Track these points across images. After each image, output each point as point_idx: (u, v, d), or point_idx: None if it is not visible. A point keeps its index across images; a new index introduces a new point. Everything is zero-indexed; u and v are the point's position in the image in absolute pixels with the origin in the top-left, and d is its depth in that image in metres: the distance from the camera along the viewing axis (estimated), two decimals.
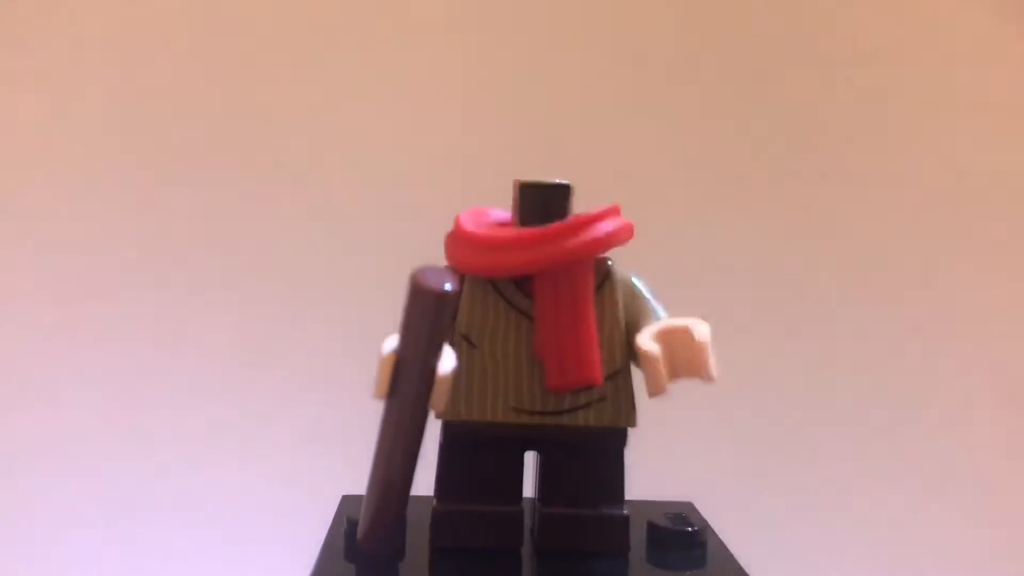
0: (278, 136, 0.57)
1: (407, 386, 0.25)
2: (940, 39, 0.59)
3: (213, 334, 0.58)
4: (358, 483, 0.28)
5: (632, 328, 0.29)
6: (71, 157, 0.57)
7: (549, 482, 0.30)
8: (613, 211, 0.29)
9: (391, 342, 0.26)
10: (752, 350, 0.58)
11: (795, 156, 0.59)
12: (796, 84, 0.59)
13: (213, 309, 0.58)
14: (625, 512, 0.29)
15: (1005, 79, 0.59)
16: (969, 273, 0.59)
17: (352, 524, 0.29)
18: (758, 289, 0.59)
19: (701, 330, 0.28)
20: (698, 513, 0.33)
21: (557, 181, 0.30)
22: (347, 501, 0.33)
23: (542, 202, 0.29)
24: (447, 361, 0.26)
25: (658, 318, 0.29)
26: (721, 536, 0.32)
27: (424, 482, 0.28)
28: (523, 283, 0.29)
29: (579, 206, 0.30)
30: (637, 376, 0.29)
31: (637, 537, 0.30)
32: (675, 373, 0.28)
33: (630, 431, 0.29)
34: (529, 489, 0.30)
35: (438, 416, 0.29)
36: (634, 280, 0.30)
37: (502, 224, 0.30)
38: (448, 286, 0.24)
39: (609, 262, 0.30)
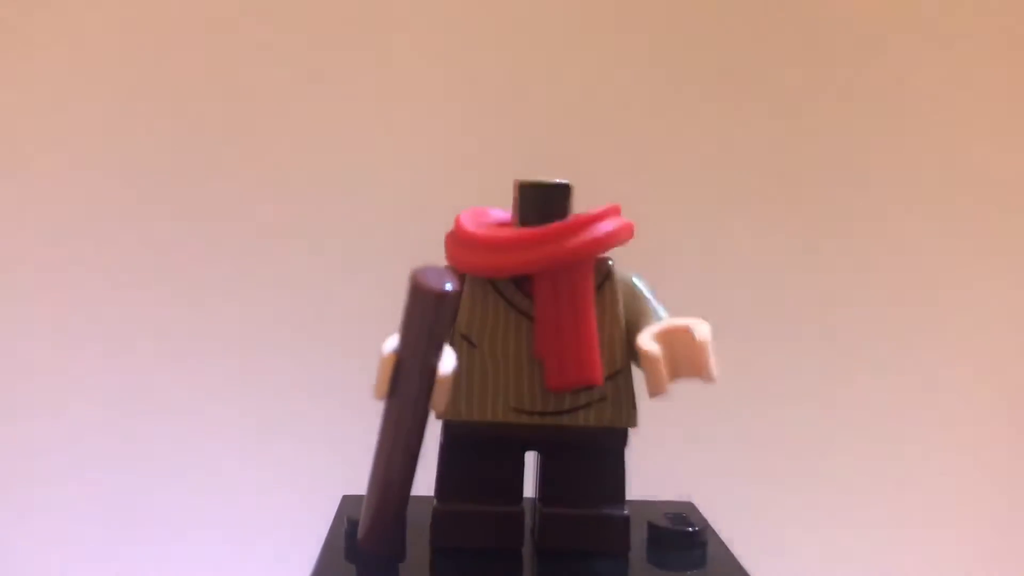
0: (278, 136, 0.57)
1: (407, 386, 0.25)
2: (942, 39, 0.59)
3: (213, 335, 0.58)
4: (358, 483, 0.28)
5: (632, 328, 0.29)
6: (71, 159, 0.57)
7: (549, 482, 0.30)
8: (613, 211, 0.29)
9: (391, 342, 0.26)
10: (752, 350, 0.58)
11: (796, 156, 0.59)
12: (797, 84, 0.59)
13: (213, 310, 0.58)
14: (626, 512, 0.29)
15: (1006, 79, 0.59)
16: (970, 273, 0.59)
17: (352, 524, 0.29)
18: (758, 289, 0.59)
19: (702, 330, 0.28)
20: (698, 513, 0.33)
21: (557, 181, 0.30)
22: (347, 501, 0.33)
23: (542, 202, 0.29)
24: (447, 361, 0.26)
25: (659, 318, 0.29)
26: (721, 536, 0.32)
27: (424, 482, 0.28)
28: (523, 283, 0.29)
29: (579, 206, 0.30)
30: (637, 376, 0.29)
31: (637, 537, 0.30)
32: (676, 373, 0.28)
33: (630, 431, 0.29)
34: (529, 489, 0.30)
35: (438, 416, 0.29)
36: (634, 280, 0.30)
37: (502, 224, 0.30)
38: (448, 286, 0.24)
39: (610, 262, 0.30)
